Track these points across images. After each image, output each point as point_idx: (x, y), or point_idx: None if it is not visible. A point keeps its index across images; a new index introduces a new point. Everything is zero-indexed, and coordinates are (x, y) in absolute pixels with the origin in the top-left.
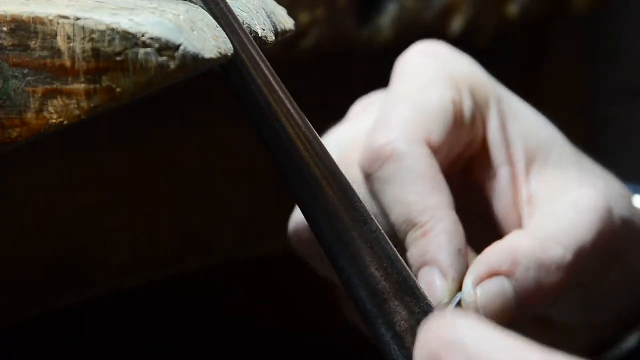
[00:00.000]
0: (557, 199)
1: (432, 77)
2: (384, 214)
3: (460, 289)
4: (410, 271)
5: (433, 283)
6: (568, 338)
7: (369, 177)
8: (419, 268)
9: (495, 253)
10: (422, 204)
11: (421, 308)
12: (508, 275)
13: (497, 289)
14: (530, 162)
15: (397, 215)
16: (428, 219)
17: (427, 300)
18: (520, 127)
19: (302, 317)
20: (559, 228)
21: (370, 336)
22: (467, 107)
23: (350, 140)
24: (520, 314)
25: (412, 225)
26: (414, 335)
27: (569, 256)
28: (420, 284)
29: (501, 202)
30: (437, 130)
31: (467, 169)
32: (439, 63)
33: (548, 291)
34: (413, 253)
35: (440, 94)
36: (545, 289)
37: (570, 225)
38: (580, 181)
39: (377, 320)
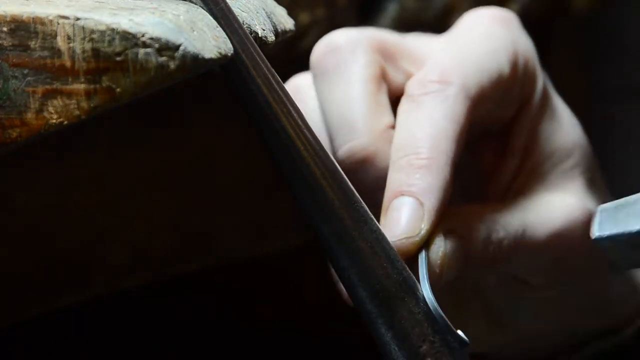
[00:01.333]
0: (542, 201)
1: (498, 43)
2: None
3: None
4: (410, 271)
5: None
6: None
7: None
8: (393, 195)
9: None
10: (365, 119)
11: (421, 308)
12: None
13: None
14: (539, 164)
15: (333, 124)
16: (372, 141)
17: (424, 294)
18: (549, 128)
19: (302, 317)
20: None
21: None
22: (515, 86)
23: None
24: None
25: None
26: (414, 335)
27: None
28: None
29: (493, 187)
30: (476, 81)
31: (481, 144)
32: (508, 33)
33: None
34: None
35: (497, 59)
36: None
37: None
38: (569, 192)
39: (377, 320)
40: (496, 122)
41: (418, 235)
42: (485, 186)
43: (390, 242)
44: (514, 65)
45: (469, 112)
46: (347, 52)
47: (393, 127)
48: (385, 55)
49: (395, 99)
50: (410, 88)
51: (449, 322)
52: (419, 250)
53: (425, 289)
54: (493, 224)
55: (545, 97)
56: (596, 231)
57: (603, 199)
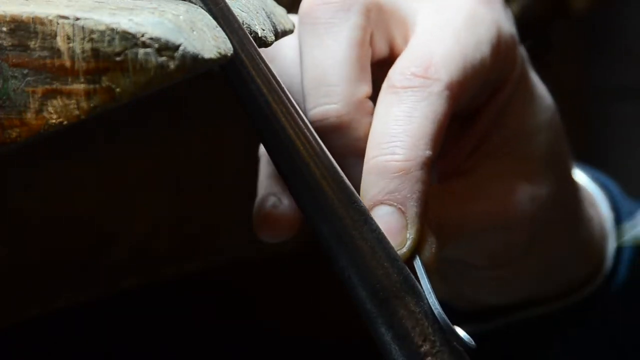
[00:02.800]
0: (485, 186)
1: (483, 30)
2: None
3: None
4: (410, 270)
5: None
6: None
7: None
8: (372, 205)
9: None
10: (346, 85)
11: (421, 307)
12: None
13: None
14: (497, 147)
15: (310, 78)
16: (348, 110)
17: (427, 299)
18: (517, 111)
19: (302, 317)
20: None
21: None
22: (494, 73)
23: None
24: None
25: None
26: (414, 334)
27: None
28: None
29: (445, 167)
30: (461, 78)
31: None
32: (493, 13)
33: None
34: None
35: (482, 50)
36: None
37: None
38: (521, 177)
39: (377, 320)
40: (469, 107)
41: (406, 247)
42: (440, 166)
43: None
44: (496, 52)
45: (450, 110)
46: (341, 10)
47: (370, 97)
48: (377, 17)
49: (374, 64)
50: (393, 77)
51: (454, 328)
52: (412, 258)
53: (430, 295)
54: (437, 208)
55: (521, 78)
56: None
57: (563, 175)
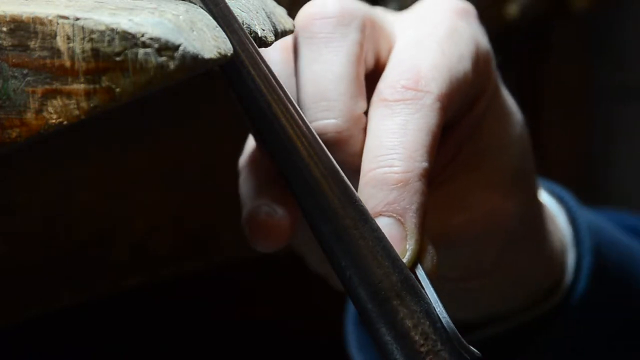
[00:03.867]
0: (462, 198)
1: (464, 44)
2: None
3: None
4: (410, 270)
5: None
6: None
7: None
8: (373, 213)
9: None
10: (345, 101)
11: (422, 307)
12: None
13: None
14: (470, 158)
15: (309, 92)
16: (348, 126)
17: (428, 299)
18: (490, 125)
19: (302, 317)
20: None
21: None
22: (473, 87)
23: None
24: None
25: (325, 113)
26: (414, 335)
27: None
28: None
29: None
30: (449, 90)
31: None
32: (470, 28)
33: None
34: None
35: (465, 64)
36: None
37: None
38: (493, 188)
39: (377, 320)
40: (447, 120)
41: (406, 257)
42: None
43: None
44: (476, 66)
45: (442, 122)
46: (341, 25)
47: (366, 113)
48: (370, 32)
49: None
50: (384, 91)
51: (462, 338)
52: (413, 268)
53: (437, 305)
54: None
55: (494, 93)
56: None
57: (530, 190)
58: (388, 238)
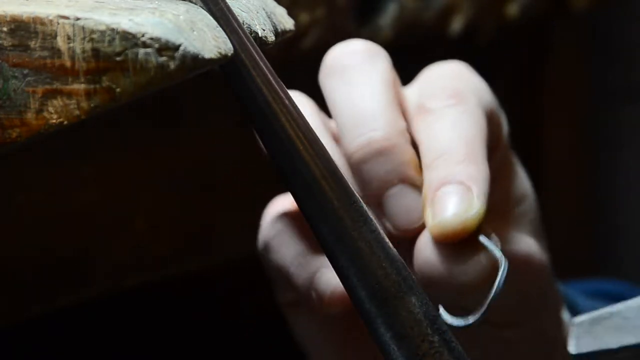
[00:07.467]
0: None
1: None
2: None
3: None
4: (409, 271)
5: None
6: None
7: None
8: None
9: None
10: (388, 115)
11: (420, 308)
12: None
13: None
14: (496, 206)
15: (348, 115)
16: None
17: (427, 299)
18: (508, 175)
19: None
20: None
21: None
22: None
23: None
24: None
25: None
26: (413, 335)
27: None
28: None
29: None
30: (484, 103)
31: None
32: (476, 79)
33: None
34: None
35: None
36: None
37: None
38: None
39: (376, 320)
40: None
41: (473, 214)
42: None
43: (442, 226)
44: (490, 113)
45: (486, 127)
46: (370, 55)
47: (409, 132)
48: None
49: None
50: (427, 103)
51: (440, 307)
52: (477, 232)
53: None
54: None
55: (507, 149)
56: (574, 348)
57: (544, 248)
58: (455, 200)
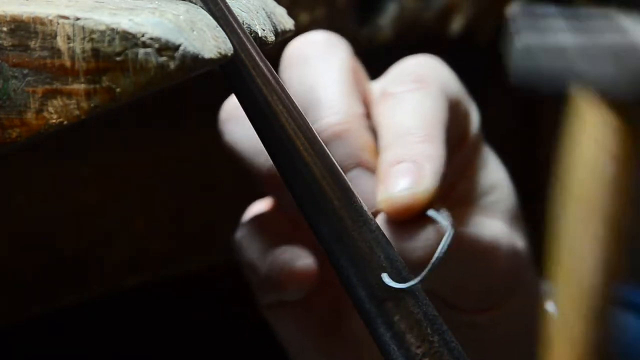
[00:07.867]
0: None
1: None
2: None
3: None
4: (409, 271)
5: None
6: None
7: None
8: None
9: None
10: (344, 100)
11: (420, 308)
12: None
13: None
14: (463, 196)
15: (306, 100)
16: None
17: (427, 299)
18: (478, 166)
19: None
20: None
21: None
22: (454, 123)
23: None
24: None
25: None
26: (411, 336)
27: None
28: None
29: None
30: (449, 89)
31: None
32: (444, 71)
33: None
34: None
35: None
36: None
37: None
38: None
39: (376, 320)
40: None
41: (423, 190)
42: None
43: (392, 201)
44: (454, 96)
45: (447, 111)
46: (329, 45)
47: (367, 117)
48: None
49: None
50: (389, 88)
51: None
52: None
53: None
54: None
55: (477, 141)
56: (516, 42)
57: (521, 238)
58: (407, 177)
